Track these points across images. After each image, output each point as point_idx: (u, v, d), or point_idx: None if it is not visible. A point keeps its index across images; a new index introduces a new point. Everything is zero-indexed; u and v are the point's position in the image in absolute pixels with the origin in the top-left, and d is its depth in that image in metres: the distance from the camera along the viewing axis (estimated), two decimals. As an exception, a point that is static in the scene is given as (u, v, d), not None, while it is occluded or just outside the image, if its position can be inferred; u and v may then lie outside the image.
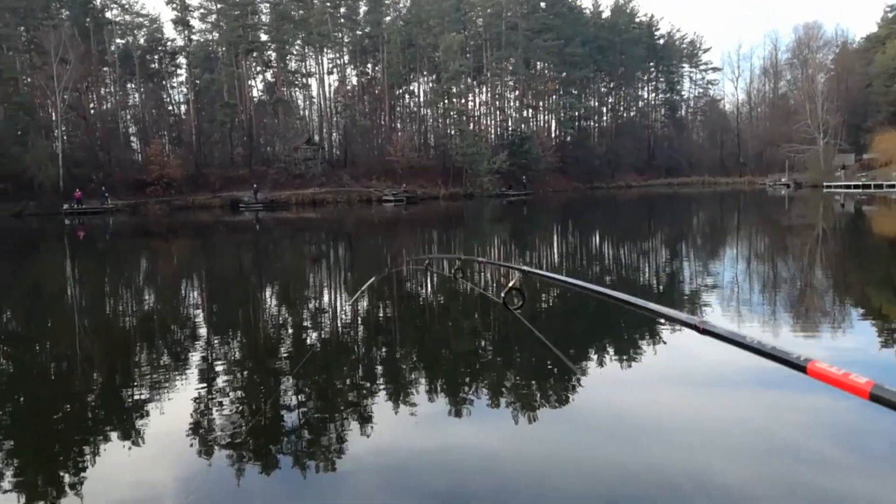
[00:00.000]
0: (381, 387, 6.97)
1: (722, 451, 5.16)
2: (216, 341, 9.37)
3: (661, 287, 13.46)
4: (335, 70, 79.55)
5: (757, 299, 11.55)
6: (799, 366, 1.21)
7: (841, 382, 1.10)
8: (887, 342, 8.45)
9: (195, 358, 8.34)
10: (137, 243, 29.09)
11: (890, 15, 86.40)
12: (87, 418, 6.43)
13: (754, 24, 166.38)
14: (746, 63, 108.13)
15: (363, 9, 79.24)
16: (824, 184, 62.19)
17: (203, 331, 10.16)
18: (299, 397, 6.68)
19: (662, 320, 9.75)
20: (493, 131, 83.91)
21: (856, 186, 57.78)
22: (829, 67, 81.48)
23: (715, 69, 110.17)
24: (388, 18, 76.53)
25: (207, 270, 19.42)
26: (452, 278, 4.09)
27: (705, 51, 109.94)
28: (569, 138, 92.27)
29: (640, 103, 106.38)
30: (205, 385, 7.10)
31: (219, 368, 7.82)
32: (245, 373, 7.73)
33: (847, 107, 74.32)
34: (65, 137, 55.95)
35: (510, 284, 2.71)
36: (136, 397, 6.77)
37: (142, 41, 71.65)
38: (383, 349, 8.88)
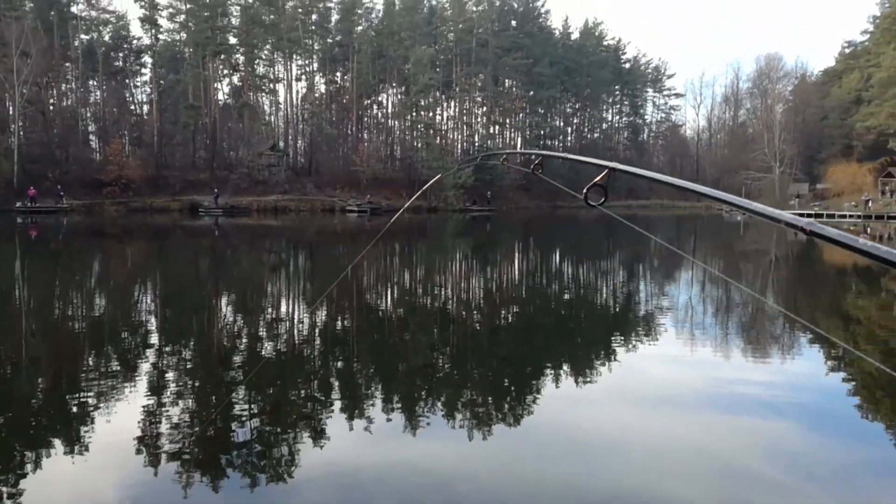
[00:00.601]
0: (335, 399, 6.90)
1: (673, 472, 5.22)
2: (166, 348, 9.16)
3: (617, 308, 13.64)
4: (303, 77, 79.09)
5: (710, 321, 11.79)
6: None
7: None
8: (833, 368, 8.70)
9: (144, 365, 8.13)
10: (91, 245, 28.35)
11: (847, 51, 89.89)
12: (28, 425, 6.21)
13: (719, 51, 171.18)
14: (708, 91, 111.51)
15: (335, 17, 79.08)
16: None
17: (153, 337, 9.92)
18: (251, 408, 6.57)
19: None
20: (459, 146, 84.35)
21: (809, 215, 59.55)
22: (788, 99, 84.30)
23: (678, 95, 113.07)
24: (359, 28, 76.49)
25: (161, 275, 19.02)
26: (531, 172, 4.11)
27: (669, 77, 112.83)
28: (533, 156, 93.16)
29: (604, 125, 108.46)
30: (153, 393, 6.92)
31: (168, 376, 7.64)
32: (195, 382, 7.57)
33: (803, 138, 76.87)
34: (21, 133, 54.39)
35: (595, 180, 2.72)
36: (81, 404, 6.56)
37: (107, 38, 70.13)
38: (339, 361, 8.80)
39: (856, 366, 8.99)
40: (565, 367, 8.43)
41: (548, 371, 8.26)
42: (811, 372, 8.36)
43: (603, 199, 2.61)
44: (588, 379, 7.88)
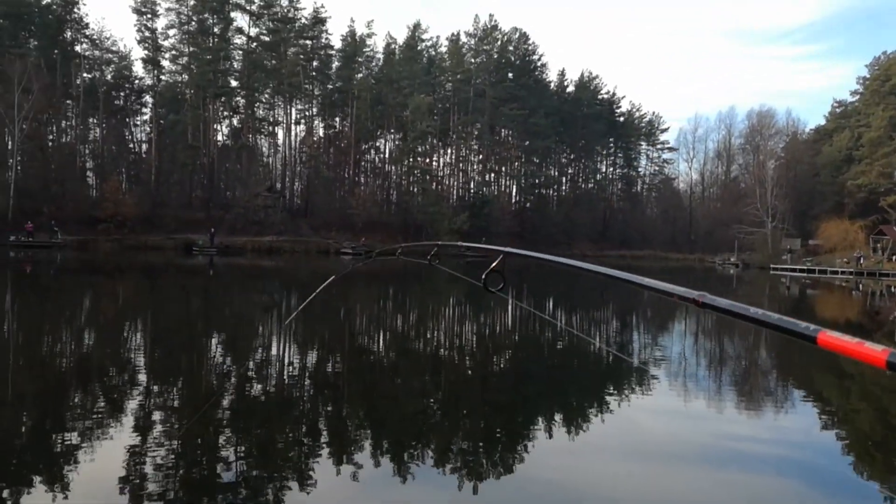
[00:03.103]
0: (324, 444, 6.78)
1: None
2: (154, 388, 9.02)
3: (610, 357, 13.57)
4: (303, 120, 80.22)
5: (704, 374, 11.73)
6: (809, 336, 1.22)
7: (856, 351, 1.10)
8: (827, 425, 8.63)
9: (130, 404, 7.99)
10: (83, 281, 28.18)
11: (837, 110, 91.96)
12: (9, 464, 6.06)
13: (712, 100, 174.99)
14: (701, 145, 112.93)
15: (336, 64, 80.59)
16: (771, 266, 64.44)
17: (140, 376, 9.79)
18: (237, 451, 6.44)
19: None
20: (455, 192, 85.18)
21: (801, 270, 60.03)
22: (780, 155, 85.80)
23: (671, 149, 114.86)
24: (359, 75, 77.93)
25: (152, 313, 18.87)
26: (428, 264, 4.08)
27: (663, 131, 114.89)
28: (528, 204, 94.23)
29: (598, 176, 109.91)
30: (138, 433, 6.79)
31: (155, 417, 7.51)
32: (182, 422, 7.43)
33: (795, 194, 77.98)
34: (18, 168, 54.62)
35: (492, 266, 2.68)
36: (66, 443, 6.43)
37: (109, 77, 71.12)
38: (328, 405, 8.68)
39: (849, 422, 8.93)
40: (557, 417, 8.33)
41: (540, 420, 8.16)
42: (805, 427, 8.28)
43: (502, 285, 2.62)
44: (581, 429, 7.78)
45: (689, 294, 1.65)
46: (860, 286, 44.34)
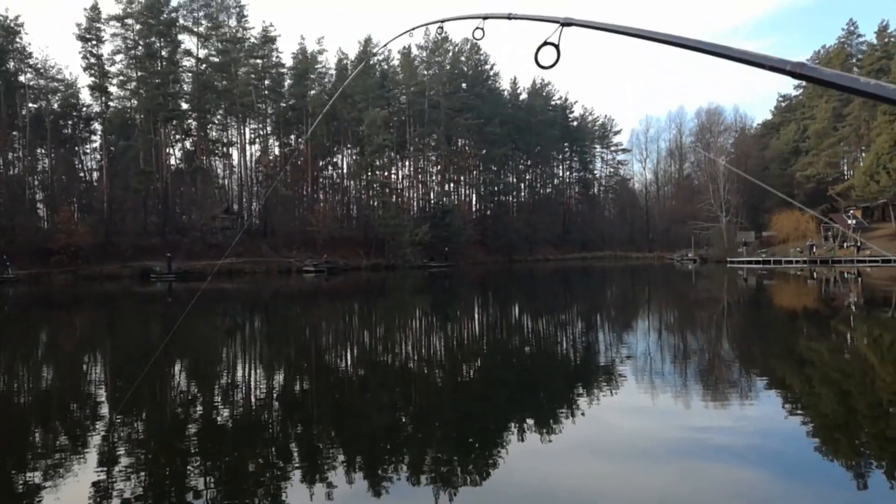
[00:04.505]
0: (295, 465, 6.67)
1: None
2: (117, 420, 8.77)
3: (577, 358, 13.68)
4: (257, 140, 79.34)
5: (669, 369, 11.90)
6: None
7: None
8: (791, 411, 8.83)
9: (93, 439, 7.76)
10: (37, 316, 27.33)
11: (783, 104, 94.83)
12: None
13: (662, 101, 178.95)
14: (654, 145, 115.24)
15: (288, 82, 80.00)
16: (728, 259, 65.86)
17: (103, 409, 9.51)
18: (206, 479, 6.29)
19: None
20: (415, 204, 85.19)
21: (757, 262, 61.48)
22: (730, 151, 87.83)
23: (624, 150, 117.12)
24: (312, 92, 77.48)
25: (110, 345, 18.39)
26: (472, 38, 3.62)
27: (616, 133, 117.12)
28: (489, 212, 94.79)
29: (556, 180, 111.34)
30: (104, 467, 6.59)
31: (119, 450, 7.30)
32: (148, 454, 7.24)
33: (746, 188, 79.83)
34: (-36, 203, 52.83)
35: (546, 39, 2.22)
36: (29, 482, 6.20)
37: (55, 106, 69.32)
38: (298, 425, 8.56)
39: (812, 407, 9.15)
40: (529, 422, 8.35)
41: (512, 426, 8.17)
42: (770, 416, 8.46)
43: (556, 59, 2.17)
44: (553, 432, 7.81)
45: (783, 65, 1.48)
46: (814, 274, 45.62)
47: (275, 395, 10.45)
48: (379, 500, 5.73)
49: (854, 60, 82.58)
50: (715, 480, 6.14)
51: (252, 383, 11.54)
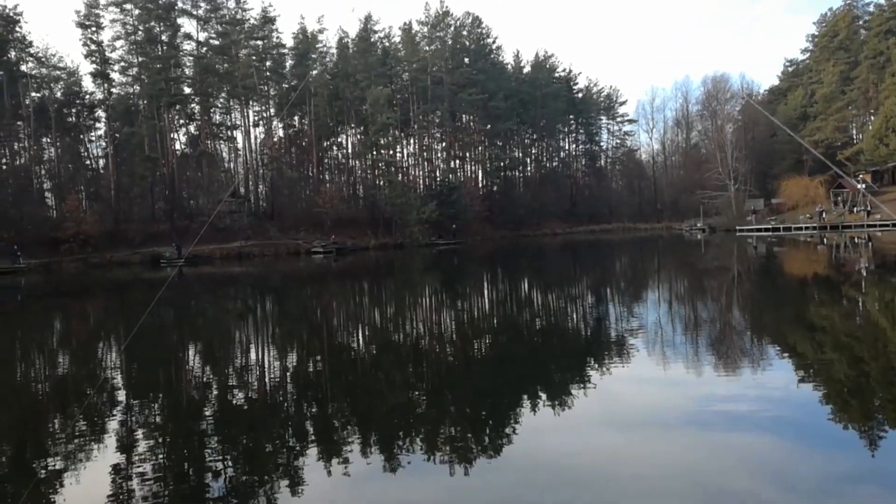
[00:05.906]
0: (311, 443, 6.75)
1: (660, 493, 5.20)
2: (134, 405, 8.89)
3: (589, 332, 13.70)
4: (261, 122, 79.07)
5: (680, 340, 11.90)
6: None
7: None
8: (803, 378, 8.83)
9: (112, 424, 7.86)
10: (50, 304, 27.58)
11: (790, 69, 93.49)
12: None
13: (668, 70, 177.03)
14: (660, 115, 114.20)
15: (289, 62, 79.51)
16: (737, 227, 65.47)
17: (120, 394, 9.63)
18: (225, 458, 6.38)
19: (591, 364, 9.90)
20: (421, 182, 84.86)
21: (766, 229, 61.11)
22: (737, 118, 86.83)
23: (630, 121, 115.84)
24: (314, 72, 76.92)
25: (124, 330, 18.55)
26: None
27: (621, 104, 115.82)
28: (495, 188, 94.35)
29: (562, 154, 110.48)
30: (123, 452, 6.69)
31: (138, 434, 7.39)
32: (166, 437, 7.34)
33: (755, 155, 79.06)
34: (-29, 194, 53.06)
35: None
36: (51, 467, 6.30)
37: (59, 94, 69.22)
38: (313, 404, 8.64)
39: (824, 374, 9.15)
40: (542, 396, 8.39)
41: (525, 401, 8.21)
42: (783, 384, 8.46)
43: None
44: (567, 406, 7.85)
45: None
46: (825, 240, 45.34)
47: (289, 376, 10.54)
48: (395, 475, 5.80)
49: (861, 22, 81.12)
50: (731, 448, 6.17)
51: (266, 364, 11.64)
